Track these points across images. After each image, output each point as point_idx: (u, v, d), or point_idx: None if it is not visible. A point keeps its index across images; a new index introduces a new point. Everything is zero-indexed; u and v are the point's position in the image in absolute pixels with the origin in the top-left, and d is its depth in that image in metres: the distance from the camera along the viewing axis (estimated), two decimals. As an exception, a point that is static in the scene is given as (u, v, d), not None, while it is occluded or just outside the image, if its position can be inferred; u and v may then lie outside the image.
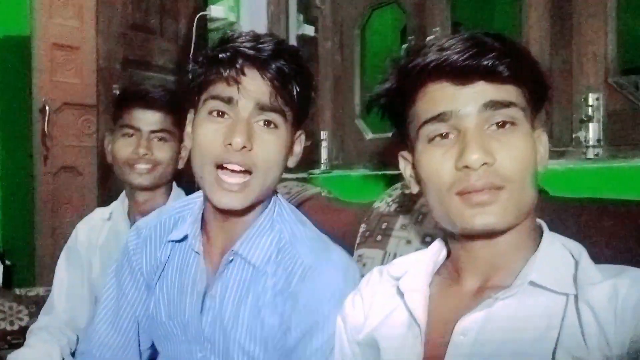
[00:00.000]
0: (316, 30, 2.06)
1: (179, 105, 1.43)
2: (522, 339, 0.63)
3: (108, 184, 2.02)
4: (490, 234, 0.68)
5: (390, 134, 1.63)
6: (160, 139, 1.39)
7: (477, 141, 0.65)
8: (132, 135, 1.37)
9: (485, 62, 0.65)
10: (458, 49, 0.66)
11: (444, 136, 0.69)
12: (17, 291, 1.65)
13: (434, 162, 0.69)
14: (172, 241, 1.00)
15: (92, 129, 2.58)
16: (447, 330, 0.67)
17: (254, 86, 0.85)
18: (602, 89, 1.17)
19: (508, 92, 0.67)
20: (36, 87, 2.54)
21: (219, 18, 2.19)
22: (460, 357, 0.65)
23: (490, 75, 0.66)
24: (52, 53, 2.59)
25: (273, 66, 0.85)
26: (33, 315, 1.56)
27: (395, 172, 1.55)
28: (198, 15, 2.20)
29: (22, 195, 2.69)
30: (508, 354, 0.63)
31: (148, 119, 1.37)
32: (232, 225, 0.94)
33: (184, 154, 1.46)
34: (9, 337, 1.53)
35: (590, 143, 1.16)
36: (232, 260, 0.92)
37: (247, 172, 0.87)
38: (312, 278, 0.86)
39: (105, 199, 1.99)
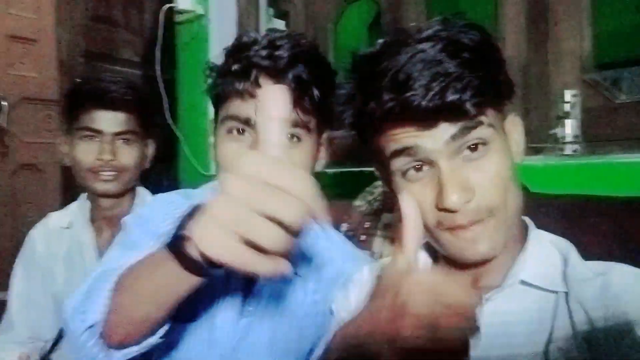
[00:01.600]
0: (287, 25, 2.03)
1: (143, 102, 1.34)
2: (514, 338, 0.63)
3: (71, 182, 1.93)
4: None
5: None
6: (125, 141, 1.29)
7: (453, 180, 0.62)
8: (92, 137, 1.26)
9: (450, 99, 0.59)
10: (417, 90, 0.59)
11: (418, 168, 0.65)
12: (-23, 296, 1.56)
13: (415, 199, 0.66)
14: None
15: (54, 125, 2.48)
16: None
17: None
18: (579, 85, 1.18)
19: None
20: (-8, 81, 2.43)
21: (187, 10, 2.13)
22: (453, 359, 0.64)
23: (456, 114, 0.61)
24: (8, 45, 2.48)
25: (290, 75, 0.80)
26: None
27: (373, 168, 1.55)
28: (164, 7, 2.13)
29: (-21, 194, 2.58)
30: (500, 354, 0.62)
31: (111, 120, 1.26)
32: None
33: (149, 152, 1.39)
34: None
35: (568, 139, 1.17)
36: None
37: None
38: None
39: (68, 197, 1.92)
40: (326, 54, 1.85)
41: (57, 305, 1.35)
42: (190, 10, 2.12)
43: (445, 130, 0.62)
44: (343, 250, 0.93)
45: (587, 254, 0.68)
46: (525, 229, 0.71)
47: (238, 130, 0.83)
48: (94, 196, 1.34)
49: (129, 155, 1.30)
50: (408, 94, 0.60)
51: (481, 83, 0.61)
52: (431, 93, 0.59)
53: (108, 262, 0.84)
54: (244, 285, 0.89)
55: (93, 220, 1.37)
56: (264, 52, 0.80)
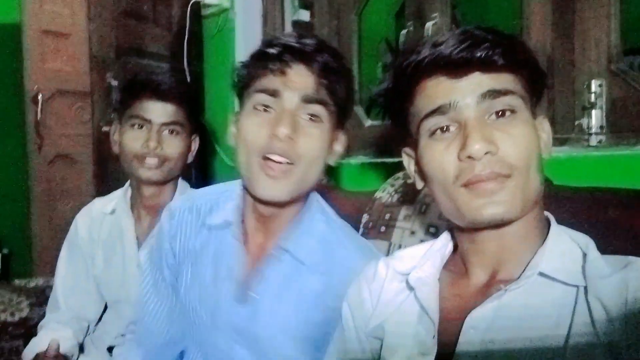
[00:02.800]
0: (312, 15, 2.03)
1: (191, 96, 1.41)
2: (533, 331, 0.63)
3: (105, 172, 2.00)
4: (498, 225, 0.67)
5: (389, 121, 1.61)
6: (172, 132, 1.35)
7: (478, 131, 0.65)
8: (142, 126, 1.32)
9: (479, 53, 0.65)
10: (451, 43, 0.66)
11: (445, 129, 0.69)
12: (17, 282, 1.64)
13: (437, 156, 0.69)
14: (210, 227, 0.99)
15: (87, 117, 2.55)
16: (458, 324, 0.67)
17: (300, 78, 0.87)
18: (605, 75, 1.15)
19: (505, 80, 0.67)
20: (28, 75, 2.50)
21: (213, 4, 2.16)
22: (471, 349, 0.65)
23: (486, 65, 0.66)
24: (43, 40, 2.55)
25: (319, 59, 0.88)
26: (33, 306, 1.56)
27: (395, 159, 1.55)
28: (191, 1, 2.16)
29: (18, 184, 2.67)
30: (519, 346, 0.63)
31: (160, 111, 1.32)
32: (272, 219, 0.95)
33: (194, 147, 1.44)
34: (10, 329, 1.53)
35: (593, 130, 1.15)
36: (276, 255, 0.93)
37: (290, 163, 0.87)
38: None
39: (103, 186, 1.98)
40: (350, 43, 1.86)
41: (98, 288, 1.42)
42: (217, 3, 2.15)
43: (476, 87, 0.67)
44: (348, 239, 0.96)
45: (610, 248, 0.68)
46: (546, 225, 0.71)
47: (264, 107, 0.88)
48: (137, 185, 1.39)
49: (174, 145, 1.35)
50: (441, 47, 0.67)
51: (514, 48, 0.67)
52: (462, 46, 0.66)
53: None
54: (247, 273, 0.94)
55: (133, 207, 1.42)
56: (294, 40, 0.89)
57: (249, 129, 0.88)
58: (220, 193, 1.03)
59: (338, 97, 0.90)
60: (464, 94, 0.67)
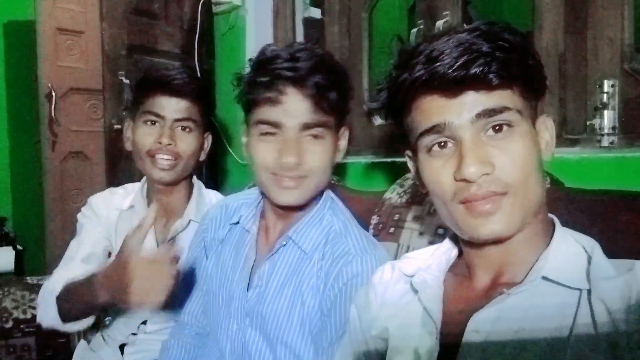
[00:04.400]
0: (323, 13, 2.03)
1: (204, 93, 1.39)
2: (535, 335, 0.63)
3: (117, 169, 2.01)
4: (497, 241, 0.68)
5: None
6: (185, 129, 1.33)
7: (473, 153, 0.65)
8: (154, 122, 1.31)
9: (474, 71, 0.63)
10: (445, 61, 0.64)
11: (442, 145, 0.69)
12: (29, 280, 1.65)
13: (434, 174, 0.70)
14: (231, 223, 1.12)
15: (99, 114, 2.57)
16: (460, 327, 0.67)
17: (296, 105, 0.92)
18: (618, 75, 1.14)
19: (500, 97, 0.66)
20: (42, 72, 2.53)
21: (224, 1, 2.16)
22: (474, 353, 0.65)
23: (480, 84, 0.65)
24: (56, 38, 2.58)
25: (310, 82, 0.92)
26: (46, 303, 1.57)
27: (404, 159, 1.54)
28: (202, -1, 2.17)
29: (32, 180, 2.71)
30: (521, 350, 0.62)
31: (173, 107, 1.31)
32: (288, 216, 1.03)
33: (207, 145, 1.43)
34: (22, 326, 1.54)
35: (605, 131, 1.13)
36: (285, 244, 1.00)
37: (302, 176, 0.96)
38: (356, 264, 0.92)
39: (115, 183, 1.98)
40: (361, 41, 1.85)
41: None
42: (228, 1, 2.15)
43: (471, 107, 0.66)
44: (354, 232, 1.00)
45: (621, 252, 0.67)
46: (551, 227, 0.71)
47: (269, 133, 0.95)
48: (151, 184, 1.39)
49: (186, 142, 1.34)
50: (436, 64, 0.65)
51: (510, 63, 0.64)
52: (457, 64, 0.63)
53: None
54: (254, 264, 1.04)
55: (150, 204, 1.39)
56: (286, 65, 0.92)
57: (259, 154, 0.96)
58: (247, 195, 1.16)
59: (335, 108, 0.96)
60: (458, 114, 0.66)
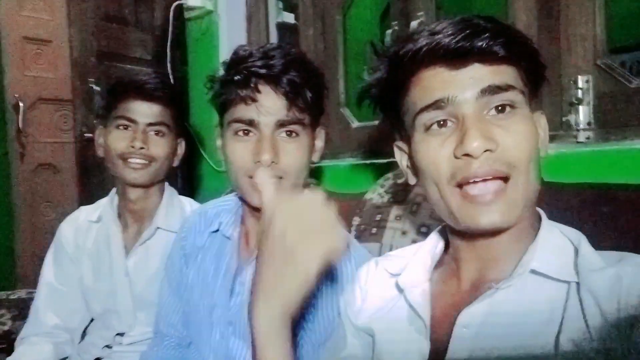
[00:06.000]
0: (296, 18, 2.02)
1: (177, 98, 1.39)
2: (525, 329, 0.62)
3: (89, 180, 1.97)
4: (494, 232, 0.66)
5: (377, 122, 1.60)
6: (157, 133, 1.33)
7: (477, 127, 0.63)
8: (127, 127, 1.31)
9: (480, 43, 0.62)
10: (450, 32, 0.63)
11: (442, 124, 0.66)
12: (-2, 295, 1.60)
13: (432, 152, 0.67)
14: (210, 231, 1.10)
15: (69, 124, 2.51)
16: (449, 323, 0.66)
17: (271, 102, 0.92)
18: (592, 70, 1.15)
19: (506, 74, 0.65)
20: (8, 82, 2.46)
21: (196, 6, 2.13)
22: (463, 349, 0.64)
23: (486, 56, 0.64)
24: (23, 47, 2.52)
25: (285, 80, 0.92)
26: (16, 319, 1.53)
27: (384, 160, 1.54)
28: (174, 4, 2.14)
29: (0, 194, 2.62)
30: (510, 344, 0.62)
31: (145, 111, 1.31)
32: None
33: (180, 151, 1.43)
34: (-8, 341, 1.49)
35: (581, 126, 1.15)
36: None
37: (279, 177, 0.94)
38: (339, 264, 0.91)
39: (86, 195, 1.95)
40: (336, 45, 1.85)
41: (84, 296, 1.39)
42: (200, 6, 2.13)
43: (476, 82, 0.64)
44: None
45: (601, 244, 0.67)
46: (537, 220, 0.71)
47: (244, 132, 0.94)
48: (123, 189, 1.37)
49: (159, 146, 1.33)
50: (440, 36, 0.64)
51: (514, 40, 0.64)
52: (461, 35, 0.62)
53: None
54: (235, 271, 1.02)
55: (120, 215, 1.40)
56: (259, 62, 0.92)
57: (235, 155, 0.95)
58: (225, 201, 1.13)
59: (310, 106, 0.95)
60: (463, 88, 0.64)
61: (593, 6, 1.15)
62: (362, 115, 1.72)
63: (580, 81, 1.15)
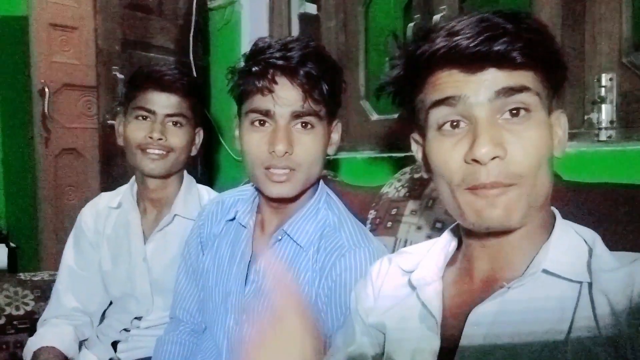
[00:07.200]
0: (319, 9, 2.02)
1: (195, 89, 1.40)
2: (535, 328, 0.62)
3: (111, 166, 2.00)
4: (499, 233, 0.66)
5: (396, 115, 1.60)
6: (176, 124, 1.35)
7: (488, 132, 0.62)
8: (146, 118, 1.33)
9: (497, 48, 0.61)
10: (468, 34, 0.62)
11: (455, 125, 0.66)
12: (22, 276, 1.64)
13: (444, 153, 0.67)
14: (227, 219, 1.13)
15: (93, 111, 2.55)
16: (460, 321, 0.66)
17: (287, 94, 0.93)
18: (616, 68, 1.13)
19: (521, 76, 0.64)
20: (35, 68, 2.51)
21: (219, -4, 2.15)
22: (474, 347, 0.64)
23: (502, 62, 0.62)
24: (49, 33, 2.56)
25: (301, 72, 0.93)
26: (38, 300, 1.56)
27: (402, 154, 1.54)
28: (198, -7, 2.15)
29: (25, 178, 2.68)
30: (521, 343, 0.62)
31: (163, 102, 1.32)
32: (283, 209, 1.04)
33: (197, 140, 1.44)
34: (15, 322, 1.53)
35: (603, 125, 1.13)
36: (280, 238, 1.02)
37: (293, 169, 0.97)
38: (349, 257, 0.93)
39: (109, 181, 1.97)
40: (357, 37, 1.84)
41: (103, 280, 1.43)
42: (223, -5, 2.14)
43: (491, 84, 0.63)
44: (349, 226, 1.00)
45: (621, 245, 0.66)
46: (552, 219, 0.70)
47: (260, 122, 0.96)
48: (142, 177, 1.39)
49: (177, 137, 1.35)
50: (458, 37, 0.62)
51: (534, 43, 0.62)
52: (480, 39, 0.61)
53: None
54: (250, 259, 1.04)
55: (139, 202, 1.43)
56: (277, 54, 0.93)
57: (251, 145, 0.97)
58: (242, 190, 1.16)
59: (326, 99, 0.97)
60: (476, 90, 0.63)
61: (619, 3, 1.13)
62: (382, 108, 1.72)
63: (604, 79, 1.14)
